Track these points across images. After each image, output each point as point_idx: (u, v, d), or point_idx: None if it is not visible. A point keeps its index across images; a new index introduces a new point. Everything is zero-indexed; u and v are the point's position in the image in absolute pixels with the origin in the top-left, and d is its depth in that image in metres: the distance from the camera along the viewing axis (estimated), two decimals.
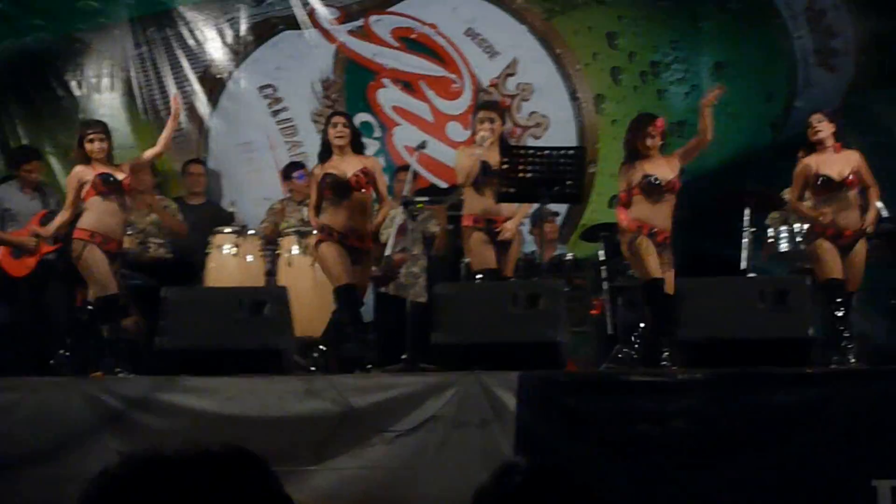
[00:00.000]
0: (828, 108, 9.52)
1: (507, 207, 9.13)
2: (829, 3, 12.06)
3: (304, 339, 9.12)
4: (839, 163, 8.88)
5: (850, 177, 8.81)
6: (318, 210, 9.21)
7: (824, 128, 8.92)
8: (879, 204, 9.02)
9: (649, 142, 8.95)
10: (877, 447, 7.06)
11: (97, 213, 8.87)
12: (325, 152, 9.24)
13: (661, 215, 8.91)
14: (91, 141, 8.99)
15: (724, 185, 9.47)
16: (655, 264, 8.80)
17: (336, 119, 9.39)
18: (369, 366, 8.76)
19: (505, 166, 8.79)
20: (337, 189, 9.06)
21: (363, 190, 9.12)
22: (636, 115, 9.48)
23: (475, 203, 9.14)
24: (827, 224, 8.83)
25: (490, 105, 10.04)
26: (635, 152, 9.00)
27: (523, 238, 10.21)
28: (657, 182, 8.86)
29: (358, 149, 9.31)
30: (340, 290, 9.00)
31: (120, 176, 8.93)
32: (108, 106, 12.35)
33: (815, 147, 8.96)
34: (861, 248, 8.89)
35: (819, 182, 8.87)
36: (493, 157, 9.01)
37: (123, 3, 12.45)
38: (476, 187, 9.11)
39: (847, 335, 8.60)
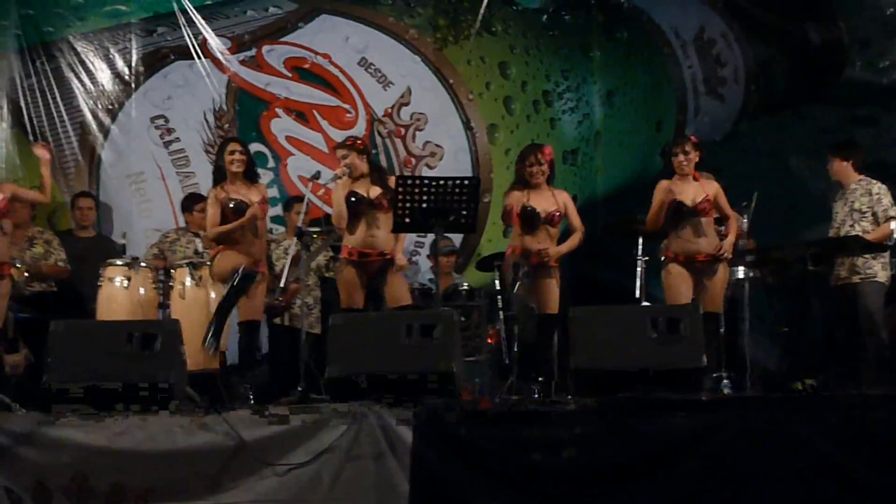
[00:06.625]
0: (697, 137, 9.60)
1: (382, 241, 9.10)
2: (718, 33, 12.22)
3: (196, 372, 9.02)
4: (694, 190, 8.99)
5: (702, 204, 8.91)
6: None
7: (693, 156, 9.04)
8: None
9: (535, 169, 9.04)
10: (766, 475, 7.11)
11: None
12: (220, 177, 9.18)
13: (534, 244, 9.03)
14: None
15: (615, 213, 9.52)
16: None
17: (233, 146, 9.33)
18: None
19: (399, 196, 8.76)
20: (242, 215, 9.05)
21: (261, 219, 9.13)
22: (526, 145, 9.54)
23: (350, 235, 9.15)
24: (677, 250, 8.94)
25: (342, 144, 9.74)
26: (522, 180, 9.09)
27: (418, 268, 10.18)
28: (533, 211, 8.96)
29: (253, 177, 9.27)
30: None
31: None
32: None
33: (674, 171, 9.07)
34: (721, 272, 9.01)
35: (673, 206, 8.97)
36: (365, 188, 9.00)
37: (11, 33, 12.26)
38: (349, 219, 9.08)
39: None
